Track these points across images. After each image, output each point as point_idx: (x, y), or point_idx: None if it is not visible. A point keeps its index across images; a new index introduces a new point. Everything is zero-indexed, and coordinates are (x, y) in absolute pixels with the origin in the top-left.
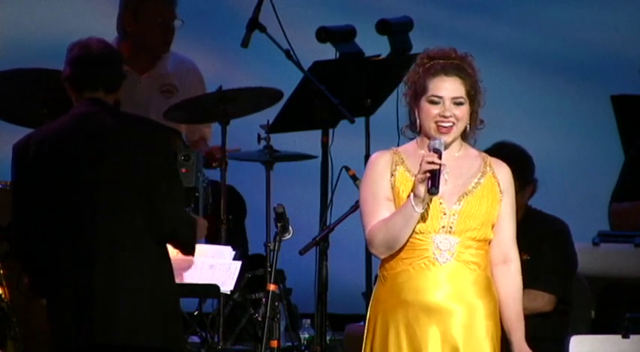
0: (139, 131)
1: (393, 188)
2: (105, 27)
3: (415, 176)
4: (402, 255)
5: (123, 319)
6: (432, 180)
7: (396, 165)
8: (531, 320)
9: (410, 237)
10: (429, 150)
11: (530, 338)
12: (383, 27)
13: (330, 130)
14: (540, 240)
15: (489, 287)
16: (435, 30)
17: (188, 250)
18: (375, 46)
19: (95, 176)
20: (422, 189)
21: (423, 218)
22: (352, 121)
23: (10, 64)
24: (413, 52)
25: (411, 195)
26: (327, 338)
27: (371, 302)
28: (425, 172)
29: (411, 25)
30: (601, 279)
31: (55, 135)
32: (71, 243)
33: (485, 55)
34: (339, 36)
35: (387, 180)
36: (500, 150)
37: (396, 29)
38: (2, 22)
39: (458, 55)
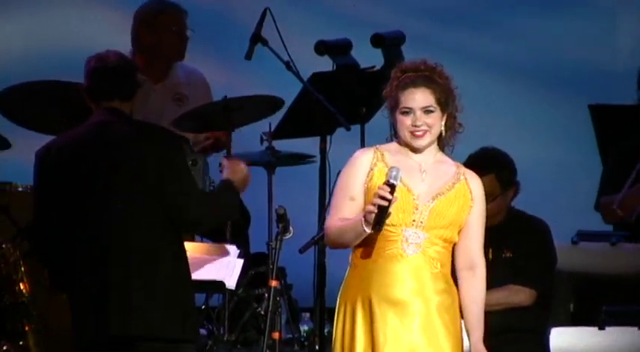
0: (150, 137)
1: (370, 181)
2: (120, 40)
3: (372, 200)
4: (374, 244)
5: (138, 312)
6: (378, 217)
7: (376, 161)
8: (514, 313)
9: None
10: (386, 181)
11: (513, 330)
12: (377, 40)
13: (328, 137)
14: (522, 238)
15: (447, 283)
16: (425, 43)
17: (231, 218)
18: (369, 58)
19: (111, 180)
20: (371, 218)
21: (397, 212)
22: (348, 128)
23: (31, 76)
24: None
25: (363, 214)
26: (325, 330)
27: (342, 287)
28: (374, 205)
29: (403, 38)
30: (580, 275)
31: (74, 143)
32: (88, 243)
33: (471, 66)
34: (336, 49)
35: (360, 180)
36: (484, 155)
37: (389, 42)
38: (25, 37)
39: (427, 67)
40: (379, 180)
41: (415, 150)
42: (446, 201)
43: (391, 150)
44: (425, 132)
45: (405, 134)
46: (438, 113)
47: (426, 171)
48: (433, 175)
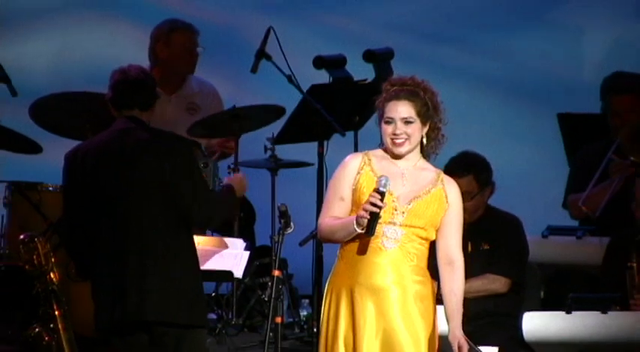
0: (165, 142)
1: (357, 184)
2: (140, 55)
3: (363, 206)
4: (358, 240)
5: (152, 300)
6: (370, 221)
7: (364, 165)
8: (491, 299)
9: None
10: (376, 188)
11: (489, 314)
12: (369, 56)
13: (325, 142)
14: (498, 232)
15: (424, 276)
16: (412, 58)
17: (231, 215)
18: (362, 71)
19: (130, 182)
20: (363, 222)
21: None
22: (343, 135)
23: (60, 88)
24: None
25: (355, 217)
26: None
27: (329, 277)
28: (366, 211)
29: (392, 54)
30: (549, 266)
31: (98, 147)
32: (109, 240)
33: (454, 79)
34: (332, 63)
35: (349, 182)
36: (465, 158)
37: (380, 58)
38: (55, 54)
39: (413, 82)
40: (365, 182)
41: (397, 156)
42: (423, 203)
43: (378, 156)
44: (404, 140)
45: (387, 141)
46: (417, 124)
47: (407, 176)
48: (413, 180)
